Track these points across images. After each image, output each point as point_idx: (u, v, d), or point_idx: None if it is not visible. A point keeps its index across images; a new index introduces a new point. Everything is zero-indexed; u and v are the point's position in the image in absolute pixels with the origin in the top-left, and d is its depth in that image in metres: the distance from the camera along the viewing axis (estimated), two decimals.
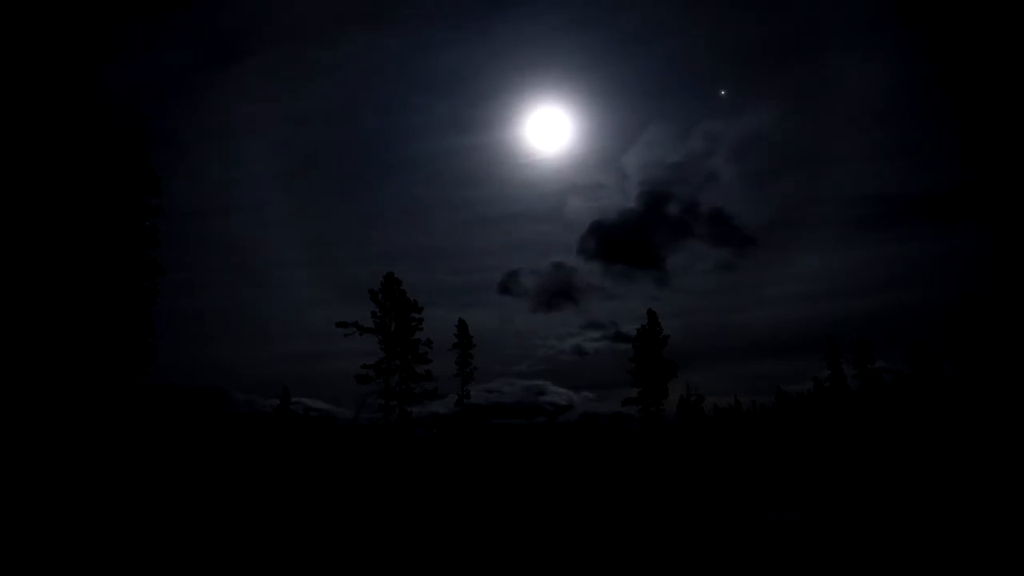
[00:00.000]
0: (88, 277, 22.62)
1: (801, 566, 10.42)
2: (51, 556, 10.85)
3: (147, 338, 23.87)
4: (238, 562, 10.97)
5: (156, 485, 18.36)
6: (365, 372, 35.38)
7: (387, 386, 35.62)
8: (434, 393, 37.08)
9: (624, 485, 23.97)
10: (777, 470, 27.46)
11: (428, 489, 22.17)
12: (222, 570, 10.55)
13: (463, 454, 38.29)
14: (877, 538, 12.09)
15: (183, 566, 10.62)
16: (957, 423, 37.11)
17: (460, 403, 44.47)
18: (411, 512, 16.68)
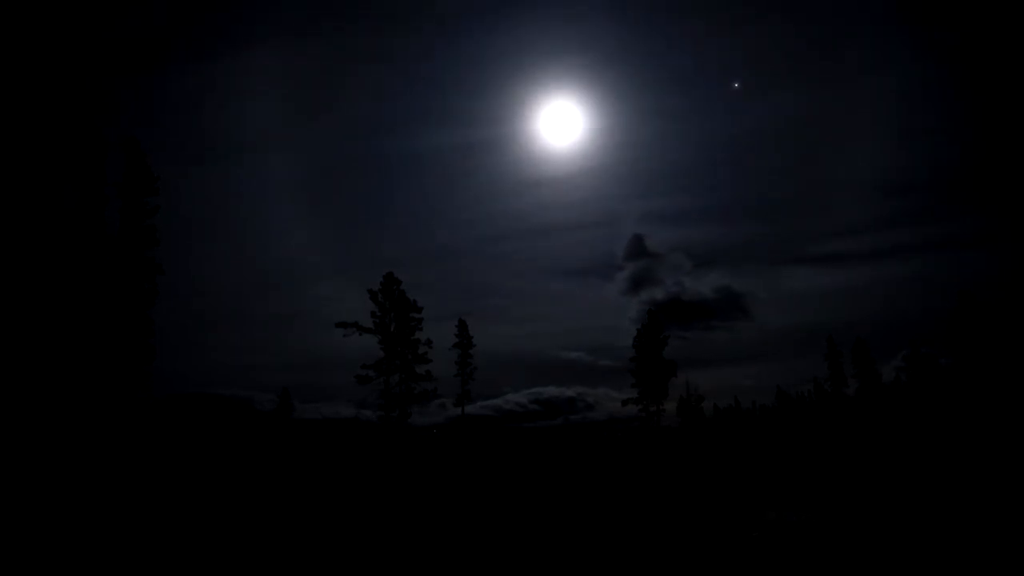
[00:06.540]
0: (88, 277, 22.58)
1: (802, 566, 10.41)
2: (61, 557, 10.82)
3: (146, 338, 23.89)
4: (263, 556, 10.96)
5: (160, 483, 18.35)
6: (365, 372, 35.35)
7: (387, 386, 35.59)
8: (434, 393, 37.07)
9: (624, 485, 23.95)
10: (777, 470, 27.43)
11: (437, 487, 22.17)
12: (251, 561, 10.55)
13: (466, 454, 38.27)
14: (878, 538, 12.08)
15: (193, 563, 10.60)
16: (956, 422, 37.15)
17: (460, 403, 44.46)
18: (421, 508, 16.68)
